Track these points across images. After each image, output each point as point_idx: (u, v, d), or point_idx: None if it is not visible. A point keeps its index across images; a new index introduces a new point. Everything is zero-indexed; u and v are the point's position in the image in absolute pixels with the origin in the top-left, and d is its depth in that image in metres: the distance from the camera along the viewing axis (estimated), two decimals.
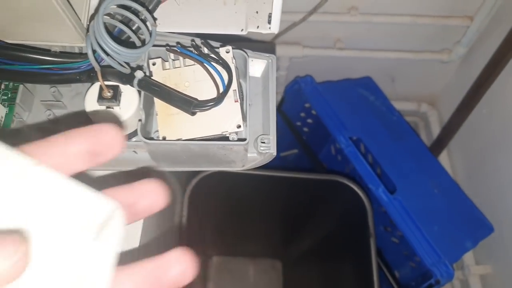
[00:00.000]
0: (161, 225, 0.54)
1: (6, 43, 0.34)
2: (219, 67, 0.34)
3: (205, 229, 0.80)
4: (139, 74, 0.32)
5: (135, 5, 0.30)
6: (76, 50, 0.38)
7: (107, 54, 0.30)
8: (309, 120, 0.88)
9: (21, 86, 0.36)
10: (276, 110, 0.37)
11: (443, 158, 0.85)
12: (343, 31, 0.80)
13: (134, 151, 0.37)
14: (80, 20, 0.36)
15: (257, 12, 0.39)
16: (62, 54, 0.36)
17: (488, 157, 0.74)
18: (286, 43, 0.81)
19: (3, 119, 0.35)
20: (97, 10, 0.30)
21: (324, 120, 0.78)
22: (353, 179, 0.71)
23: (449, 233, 0.68)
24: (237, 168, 0.38)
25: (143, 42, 0.32)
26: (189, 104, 0.30)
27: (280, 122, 0.80)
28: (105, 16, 0.31)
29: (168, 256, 0.17)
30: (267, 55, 0.39)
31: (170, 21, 0.38)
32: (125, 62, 0.32)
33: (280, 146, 0.37)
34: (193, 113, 0.31)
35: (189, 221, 0.67)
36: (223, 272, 0.90)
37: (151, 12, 0.32)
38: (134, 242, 0.38)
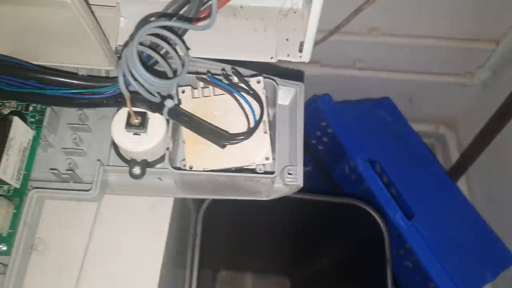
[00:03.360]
0: (177, 243, 0.53)
1: (38, 66, 0.34)
2: (249, 98, 0.33)
3: (216, 245, 0.79)
4: (169, 104, 0.32)
5: (169, 34, 0.30)
6: (103, 73, 0.38)
7: (139, 83, 0.30)
8: (325, 139, 0.87)
9: (48, 109, 0.36)
10: None
11: (461, 184, 0.84)
12: (363, 51, 0.79)
13: (159, 178, 0.36)
14: (109, 43, 0.36)
15: (287, 39, 0.38)
16: (90, 78, 0.36)
17: (509, 186, 0.73)
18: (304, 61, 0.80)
19: (30, 142, 0.35)
20: (131, 38, 0.29)
21: (342, 140, 0.77)
22: (370, 203, 0.69)
23: (468, 263, 0.66)
24: (262, 198, 0.37)
25: (175, 71, 0.32)
26: (220, 137, 0.30)
27: None
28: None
29: None
30: (296, 83, 0.39)
31: (199, 46, 0.37)
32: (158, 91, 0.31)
33: None
34: (223, 146, 0.30)
35: (202, 239, 0.66)
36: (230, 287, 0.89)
37: (183, 41, 0.32)
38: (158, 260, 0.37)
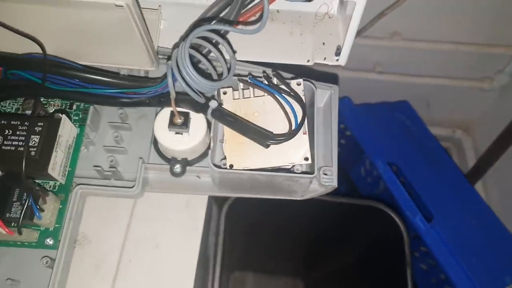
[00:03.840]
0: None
1: (83, 66, 0.35)
2: (289, 99, 0.34)
3: (233, 245, 0.80)
4: (213, 104, 0.32)
5: (216, 37, 0.31)
6: (142, 73, 0.39)
7: (187, 84, 0.31)
8: (342, 141, 0.87)
9: (91, 107, 0.37)
10: None
11: (478, 189, 0.84)
12: (384, 55, 0.79)
13: (197, 175, 0.37)
14: (154, 44, 0.37)
15: (323, 43, 0.39)
16: (134, 78, 0.37)
17: None
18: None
19: (75, 140, 0.36)
20: (183, 39, 0.30)
21: (361, 142, 0.77)
22: (389, 205, 0.70)
23: (488, 266, 0.67)
24: (296, 197, 0.38)
25: (220, 74, 0.33)
26: (264, 137, 0.31)
27: None
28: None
29: None
30: (330, 85, 0.39)
31: (237, 49, 0.38)
32: (201, 92, 0.32)
33: None
34: (267, 146, 0.31)
35: (224, 239, 0.67)
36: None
37: (230, 44, 0.33)
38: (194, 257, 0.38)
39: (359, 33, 0.72)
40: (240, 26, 0.36)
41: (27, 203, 0.31)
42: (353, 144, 0.80)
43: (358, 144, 0.79)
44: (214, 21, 0.34)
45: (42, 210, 0.32)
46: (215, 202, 0.68)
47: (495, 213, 0.80)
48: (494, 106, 0.85)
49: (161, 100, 0.35)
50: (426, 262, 0.73)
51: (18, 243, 0.33)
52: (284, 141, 0.31)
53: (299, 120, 0.32)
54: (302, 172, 0.35)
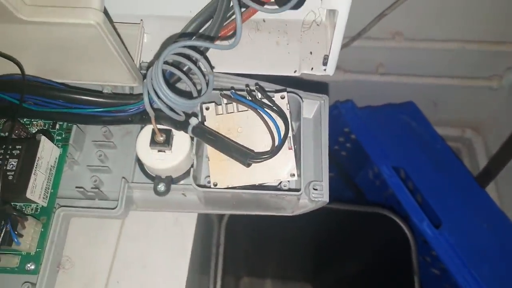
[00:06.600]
0: (201, 252, 0.53)
1: (64, 85, 0.35)
2: (273, 114, 0.33)
3: (238, 252, 0.79)
4: (193, 122, 0.31)
5: (193, 53, 0.30)
6: (127, 89, 0.38)
7: (163, 102, 0.30)
8: (348, 145, 0.85)
9: (74, 127, 0.37)
10: None
11: (490, 190, 0.81)
12: (386, 56, 0.77)
13: (183, 193, 0.36)
14: (133, 60, 0.36)
15: (311, 52, 0.38)
16: (116, 96, 0.36)
17: None
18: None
19: (57, 160, 0.35)
20: (156, 58, 0.29)
21: (366, 147, 0.75)
22: (395, 211, 0.68)
23: (500, 273, 0.64)
24: (286, 214, 0.37)
25: (199, 91, 0.31)
26: (245, 156, 0.30)
27: None
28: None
29: None
30: (320, 95, 0.38)
31: (221, 61, 0.37)
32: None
33: None
34: (248, 165, 0.30)
35: (225, 247, 0.66)
36: None
37: (207, 59, 0.31)
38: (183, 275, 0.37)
39: (359, 35, 0.70)
40: (218, 42, 0.35)
41: (5, 229, 0.30)
42: (359, 148, 0.78)
43: (363, 148, 0.77)
44: (193, 37, 0.33)
45: (21, 236, 0.31)
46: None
47: (509, 215, 0.77)
48: (504, 105, 0.82)
49: (143, 117, 0.34)
50: (438, 267, 0.71)
51: (0, 268, 0.32)
52: (266, 160, 0.30)
53: (282, 136, 0.31)
54: (289, 189, 0.34)
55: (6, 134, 0.34)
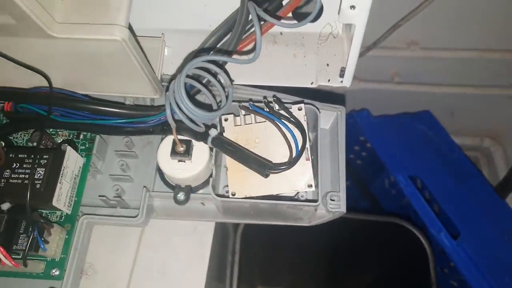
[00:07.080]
0: (217, 260, 0.54)
1: (89, 97, 0.36)
2: (291, 125, 0.33)
3: (253, 260, 0.79)
4: (213, 133, 0.32)
5: (213, 67, 0.31)
6: (148, 101, 0.39)
7: (184, 115, 0.30)
8: (363, 154, 0.85)
9: (97, 137, 0.38)
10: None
11: (510, 201, 0.80)
12: (402, 65, 0.77)
13: (202, 203, 0.37)
14: (155, 73, 0.37)
15: (327, 64, 0.38)
16: (138, 107, 0.37)
17: None
18: None
19: (81, 169, 0.36)
20: (179, 71, 0.30)
21: (381, 156, 0.75)
22: (412, 221, 0.67)
23: None
24: (303, 224, 0.37)
25: (219, 103, 0.32)
26: (263, 167, 0.30)
27: None
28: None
29: None
30: (336, 106, 0.38)
31: (240, 73, 0.38)
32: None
33: None
34: (266, 176, 0.31)
35: (241, 256, 0.67)
36: None
37: (227, 72, 0.32)
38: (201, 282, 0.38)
39: (374, 44, 0.71)
40: (236, 56, 0.36)
41: (32, 235, 0.31)
42: (375, 157, 0.78)
43: (379, 157, 0.77)
44: (212, 52, 0.34)
45: (47, 242, 0.32)
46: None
47: None
48: None
49: (164, 128, 0.35)
50: (457, 279, 0.70)
51: (27, 273, 0.33)
52: (284, 171, 0.31)
53: (300, 147, 0.32)
54: (307, 200, 0.34)
55: (34, 144, 0.36)
